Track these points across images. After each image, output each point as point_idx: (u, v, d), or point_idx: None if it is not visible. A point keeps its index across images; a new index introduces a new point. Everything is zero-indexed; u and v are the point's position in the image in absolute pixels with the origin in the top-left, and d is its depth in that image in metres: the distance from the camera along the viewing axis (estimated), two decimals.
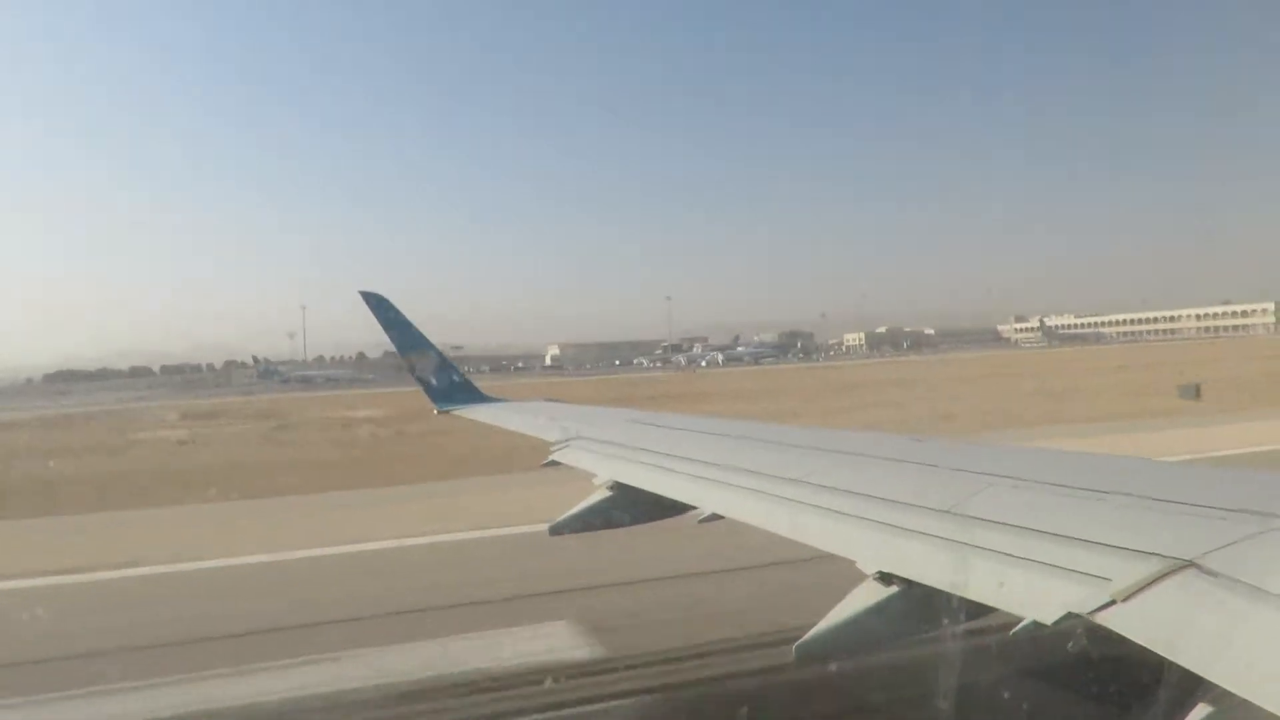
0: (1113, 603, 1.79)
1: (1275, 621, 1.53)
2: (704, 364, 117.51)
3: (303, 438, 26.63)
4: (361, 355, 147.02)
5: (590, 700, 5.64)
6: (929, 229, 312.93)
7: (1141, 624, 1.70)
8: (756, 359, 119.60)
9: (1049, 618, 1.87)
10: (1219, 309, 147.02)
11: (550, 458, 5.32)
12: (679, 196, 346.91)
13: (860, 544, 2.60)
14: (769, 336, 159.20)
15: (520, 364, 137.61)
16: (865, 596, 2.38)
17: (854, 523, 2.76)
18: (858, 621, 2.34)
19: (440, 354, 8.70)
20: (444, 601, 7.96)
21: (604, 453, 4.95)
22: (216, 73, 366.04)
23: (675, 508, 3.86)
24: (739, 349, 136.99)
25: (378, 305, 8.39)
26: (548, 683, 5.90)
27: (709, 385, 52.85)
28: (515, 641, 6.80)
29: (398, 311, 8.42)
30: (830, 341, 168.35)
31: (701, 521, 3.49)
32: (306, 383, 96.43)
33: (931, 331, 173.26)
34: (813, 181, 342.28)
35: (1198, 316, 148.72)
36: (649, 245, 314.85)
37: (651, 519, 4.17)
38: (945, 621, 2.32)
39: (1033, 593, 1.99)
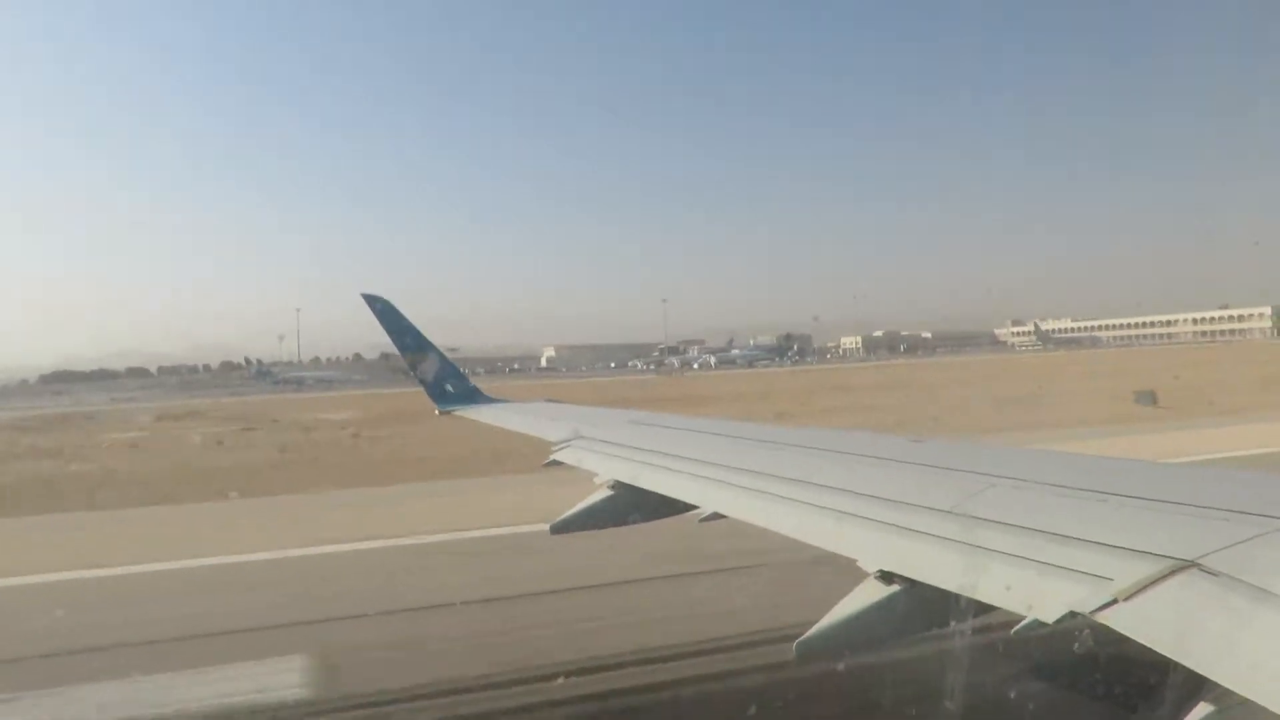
0: (1114, 602, 1.80)
1: (1278, 622, 1.54)
2: (696, 366, 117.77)
3: (257, 440, 26.86)
4: (358, 356, 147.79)
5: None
6: (929, 231, 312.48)
7: (1143, 623, 1.71)
8: (750, 362, 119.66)
9: (1050, 616, 1.88)
10: (1215, 313, 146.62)
11: (551, 457, 5.39)
12: (679, 197, 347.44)
13: (861, 543, 2.61)
14: (767, 339, 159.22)
15: (516, 365, 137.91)
16: (866, 595, 2.39)
17: (855, 522, 2.77)
18: (858, 620, 2.34)
19: (442, 355, 8.79)
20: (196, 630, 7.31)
21: (605, 452, 4.97)
22: (214, 72, 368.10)
23: (676, 507, 3.86)
24: (734, 352, 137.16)
25: (379, 307, 8.50)
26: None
27: (683, 389, 53.06)
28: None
29: (399, 313, 8.53)
30: (829, 344, 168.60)
31: (703, 521, 3.52)
32: (299, 384, 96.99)
33: (928, 335, 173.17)
34: (813, 182, 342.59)
35: (1194, 320, 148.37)
36: (649, 246, 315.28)
37: (652, 518, 4.19)
38: (946, 620, 2.33)
39: (1034, 592, 1.99)
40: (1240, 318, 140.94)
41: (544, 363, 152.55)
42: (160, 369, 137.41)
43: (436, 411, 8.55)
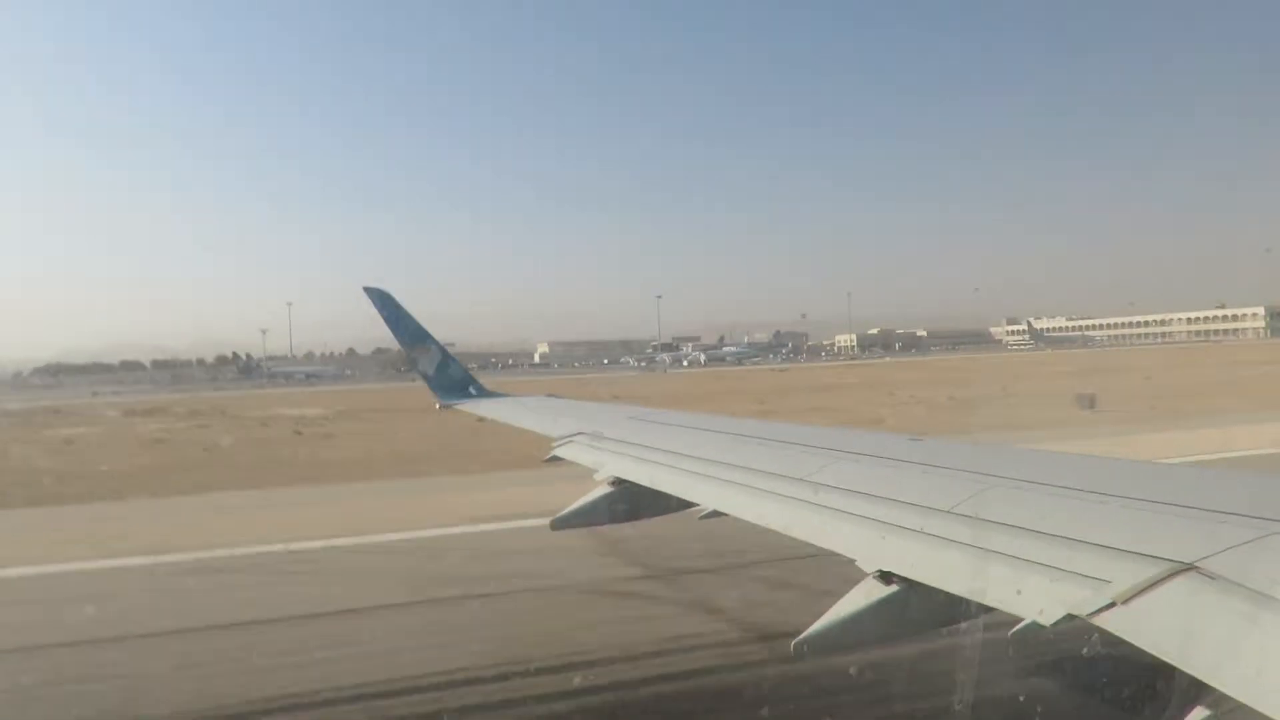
0: (1113, 605, 1.79)
1: (1277, 626, 1.53)
2: (686, 364, 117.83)
3: (194, 437, 27.00)
4: (351, 351, 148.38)
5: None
6: (927, 229, 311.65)
7: (1141, 627, 1.70)
8: (739, 360, 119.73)
9: (1048, 619, 1.87)
10: (1209, 313, 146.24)
11: (552, 453, 5.37)
12: (678, 195, 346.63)
13: (860, 542, 2.60)
14: (762, 336, 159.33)
15: (511, 361, 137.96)
16: (865, 595, 2.38)
17: (853, 521, 2.76)
18: (857, 619, 2.34)
19: (443, 350, 8.74)
20: None
21: (606, 449, 4.95)
22: (215, 70, 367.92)
23: (677, 504, 3.85)
24: (727, 349, 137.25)
25: (382, 301, 8.43)
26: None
27: (654, 387, 53.16)
28: None
29: (401, 307, 8.48)
30: (824, 342, 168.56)
31: (703, 518, 3.52)
32: (287, 379, 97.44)
33: (923, 333, 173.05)
34: (813, 180, 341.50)
35: (1188, 320, 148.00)
36: (648, 243, 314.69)
37: (653, 515, 4.19)
38: (944, 621, 2.33)
39: (1032, 594, 1.98)
40: (1235, 317, 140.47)
41: (537, 359, 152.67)
42: (154, 363, 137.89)
43: (437, 405, 8.49)
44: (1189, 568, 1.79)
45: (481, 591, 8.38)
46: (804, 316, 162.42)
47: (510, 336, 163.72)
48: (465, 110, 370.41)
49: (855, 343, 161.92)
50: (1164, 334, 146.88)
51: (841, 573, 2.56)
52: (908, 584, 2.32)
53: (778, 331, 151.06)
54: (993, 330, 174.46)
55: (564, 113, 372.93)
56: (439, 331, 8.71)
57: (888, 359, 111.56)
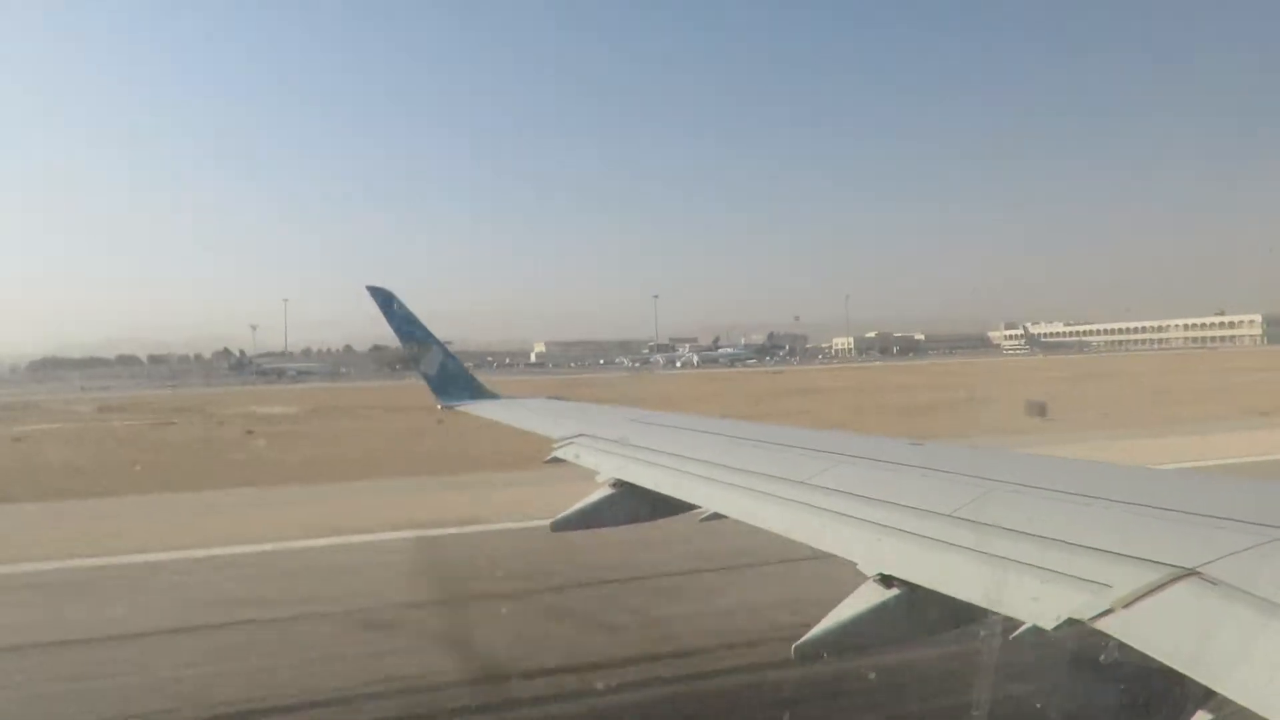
0: (1114, 609, 1.79)
1: (1279, 632, 1.54)
2: (679, 365, 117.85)
3: (151, 436, 27.23)
4: (348, 348, 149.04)
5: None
6: (928, 232, 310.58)
7: (1142, 631, 1.71)
8: (731, 361, 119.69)
9: (1049, 623, 1.87)
10: (1206, 319, 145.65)
11: (553, 454, 5.38)
12: (678, 195, 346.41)
13: (861, 546, 2.60)
14: (760, 338, 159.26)
15: (508, 360, 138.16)
16: (865, 598, 2.39)
17: (855, 524, 2.76)
18: (857, 622, 2.34)
19: (446, 350, 8.72)
20: None
21: (607, 450, 4.96)
22: (215, 67, 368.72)
23: (677, 506, 3.86)
24: (724, 350, 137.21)
25: (384, 301, 8.43)
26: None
27: (637, 389, 53.25)
28: None
29: (404, 307, 8.48)
30: (823, 345, 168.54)
31: (703, 520, 3.52)
32: (279, 375, 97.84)
33: (921, 337, 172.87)
34: (814, 182, 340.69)
35: (1185, 327, 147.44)
36: (647, 242, 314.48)
37: (653, 517, 4.19)
38: (945, 624, 2.33)
39: (1033, 598, 1.98)
40: (1232, 324, 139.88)
41: (533, 358, 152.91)
42: (150, 357, 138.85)
43: (438, 406, 8.46)
44: (1190, 573, 1.79)
45: (202, 622, 7.84)
46: (798, 319, 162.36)
47: (509, 335, 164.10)
48: (468, 111, 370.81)
49: (852, 345, 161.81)
50: (1161, 340, 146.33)
51: (842, 576, 2.56)
52: (908, 587, 2.32)
53: (772, 333, 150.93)
54: (991, 335, 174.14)
55: (564, 112, 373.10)
56: (438, 329, 8.68)
57: (878, 363, 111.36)
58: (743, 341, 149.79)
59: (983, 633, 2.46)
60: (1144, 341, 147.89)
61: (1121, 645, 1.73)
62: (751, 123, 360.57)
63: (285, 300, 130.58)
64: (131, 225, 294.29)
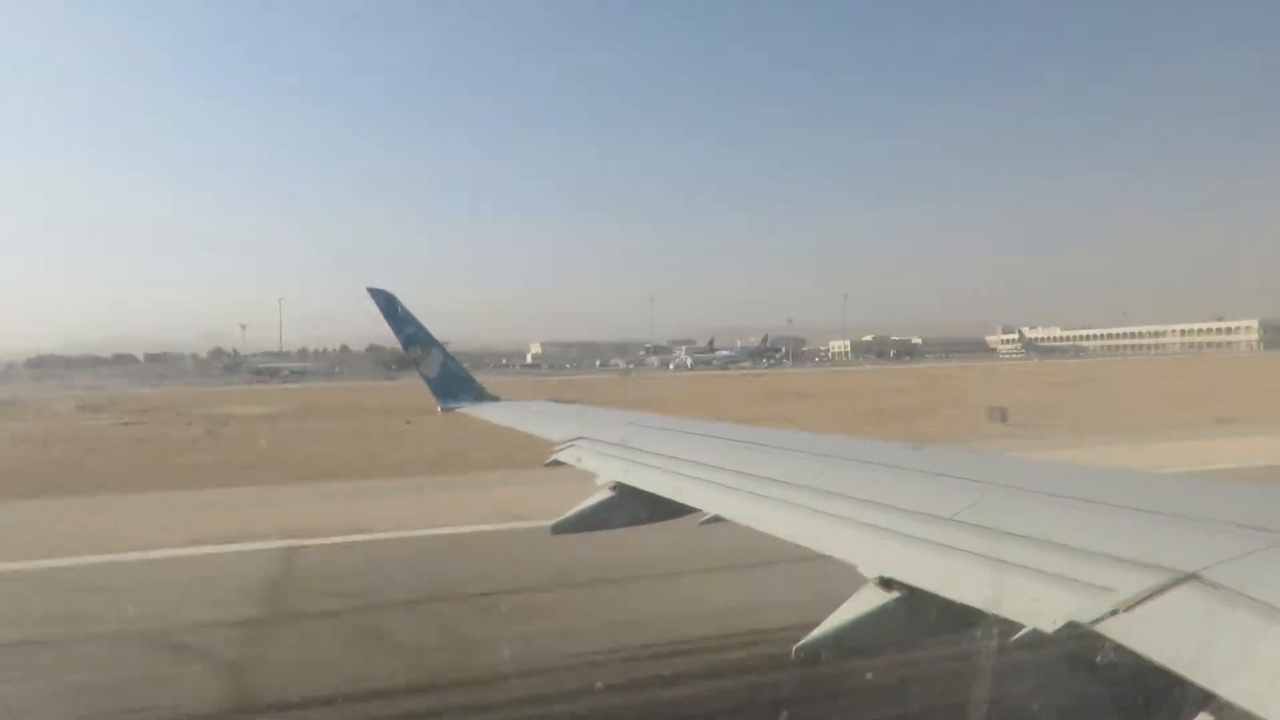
0: (1115, 613, 1.79)
1: (1279, 635, 1.55)
2: (672, 367, 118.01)
3: (114, 436, 27.33)
4: (345, 348, 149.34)
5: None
6: (928, 230, 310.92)
7: (1143, 635, 1.71)
8: (725, 364, 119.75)
9: (1050, 626, 1.87)
10: (1203, 325, 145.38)
11: (553, 457, 5.36)
12: (679, 197, 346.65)
13: (861, 549, 2.60)
14: (755, 341, 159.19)
15: (505, 361, 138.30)
16: (866, 601, 2.39)
17: (855, 527, 2.76)
18: (858, 625, 2.34)
19: (447, 353, 8.68)
20: None
21: (606, 453, 4.96)
22: (219, 67, 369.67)
23: (677, 509, 3.86)
24: (721, 352, 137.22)
25: (385, 303, 8.40)
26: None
27: (619, 392, 53.33)
28: None
29: (405, 310, 8.45)
30: (821, 348, 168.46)
31: (703, 524, 3.51)
32: (273, 375, 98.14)
33: (918, 340, 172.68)
34: (813, 182, 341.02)
35: (1181, 332, 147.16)
36: (648, 244, 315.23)
37: (653, 520, 4.16)
38: (945, 627, 2.32)
39: (1034, 601, 1.98)
40: (1229, 330, 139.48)
41: (529, 359, 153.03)
42: (147, 356, 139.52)
43: (439, 409, 8.39)
44: (1191, 577, 1.80)
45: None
46: (790, 321, 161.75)
47: (507, 336, 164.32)
48: (470, 113, 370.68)
49: (849, 349, 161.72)
50: (1157, 345, 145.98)
51: (842, 578, 2.54)
52: (909, 590, 2.32)
53: (766, 336, 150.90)
54: (989, 339, 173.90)
55: (563, 112, 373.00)
56: (436, 329, 8.64)
57: (868, 366, 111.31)
58: (739, 344, 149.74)
59: (983, 636, 2.44)
60: (1140, 346, 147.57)
61: (1119, 648, 1.74)
62: (751, 123, 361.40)
63: (280, 300, 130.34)
64: (132, 225, 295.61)
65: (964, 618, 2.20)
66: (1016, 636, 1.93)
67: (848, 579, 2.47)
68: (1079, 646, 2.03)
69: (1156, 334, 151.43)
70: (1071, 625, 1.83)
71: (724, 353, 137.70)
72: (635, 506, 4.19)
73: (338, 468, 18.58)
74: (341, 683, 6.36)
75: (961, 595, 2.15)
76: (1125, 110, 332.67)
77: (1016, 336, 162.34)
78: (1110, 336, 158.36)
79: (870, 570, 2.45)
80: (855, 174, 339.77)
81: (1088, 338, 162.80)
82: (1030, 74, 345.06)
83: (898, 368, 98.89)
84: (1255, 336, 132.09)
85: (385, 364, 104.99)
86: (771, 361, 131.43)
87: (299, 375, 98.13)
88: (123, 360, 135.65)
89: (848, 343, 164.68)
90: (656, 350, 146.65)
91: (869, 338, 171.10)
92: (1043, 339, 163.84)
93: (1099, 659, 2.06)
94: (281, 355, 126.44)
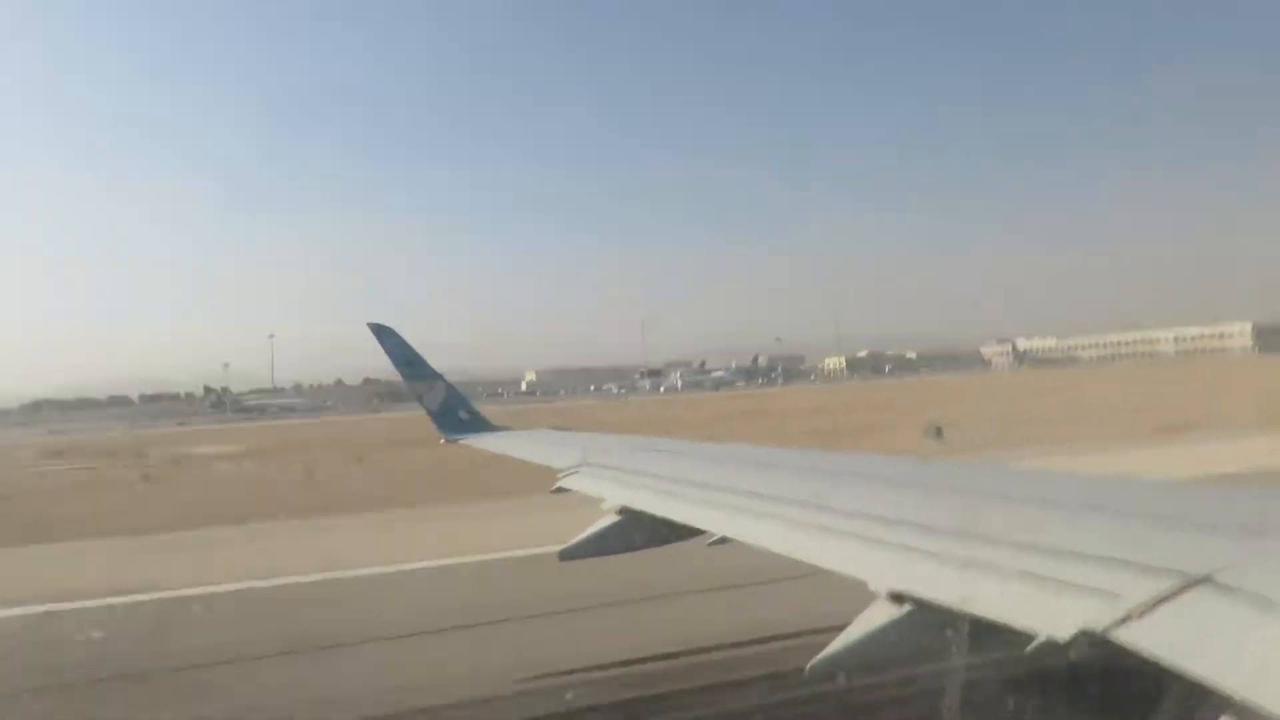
0: (1128, 618, 1.79)
1: None
2: (663, 390, 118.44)
3: (53, 484, 27.28)
4: (339, 382, 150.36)
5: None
6: (923, 243, 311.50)
7: (1157, 639, 1.70)
8: (717, 385, 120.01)
9: (1063, 635, 1.86)
10: (1195, 330, 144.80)
11: (558, 484, 5.36)
12: (672, 219, 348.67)
13: (870, 565, 2.59)
14: (748, 361, 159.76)
15: (499, 390, 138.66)
16: (877, 617, 2.37)
17: (862, 544, 2.76)
18: (870, 641, 2.33)
19: (449, 385, 8.73)
20: None
21: (612, 478, 4.97)
22: (217, 81, 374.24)
23: (684, 532, 3.86)
24: (716, 373, 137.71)
25: (386, 337, 8.55)
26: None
27: (602, 416, 53.50)
28: None
29: (406, 343, 8.59)
30: (817, 365, 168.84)
31: (711, 545, 3.53)
32: (262, 412, 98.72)
33: (913, 355, 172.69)
34: (808, 198, 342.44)
35: (1175, 339, 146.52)
36: (647, 264, 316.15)
37: (661, 543, 4.17)
38: (957, 640, 2.31)
39: (1046, 610, 1.97)
40: (1222, 335, 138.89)
41: (524, 386, 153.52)
42: (142, 397, 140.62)
43: (442, 440, 8.47)
44: (1203, 580, 1.80)
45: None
46: (779, 340, 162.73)
47: (506, 364, 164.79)
48: (458, 133, 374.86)
49: (844, 365, 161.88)
50: (1152, 352, 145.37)
51: (852, 596, 2.52)
52: (920, 604, 2.31)
53: (756, 356, 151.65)
54: (984, 350, 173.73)
55: (553, 131, 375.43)
56: (435, 361, 8.71)
57: (855, 381, 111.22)
58: (734, 365, 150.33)
59: (996, 647, 2.37)
60: (1134, 354, 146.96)
61: (1133, 654, 1.73)
62: (746, 141, 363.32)
63: (271, 336, 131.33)
64: (127, 268, 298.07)
65: (976, 630, 2.20)
66: (1030, 647, 1.92)
67: (857, 595, 2.46)
68: (1093, 655, 1.91)
69: (1150, 340, 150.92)
70: (1085, 633, 1.83)
71: (717, 374, 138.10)
72: (641, 530, 4.23)
73: (247, 511, 18.63)
74: None
75: (972, 607, 2.15)
76: (1125, 110, 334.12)
77: (1009, 348, 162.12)
78: (1105, 345, 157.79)
79: (880, 585, 2.43)
80: (851, 186, 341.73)
81: (1082, 346, 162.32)
82: (1030, 74, 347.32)
83: (886, 383, 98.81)
84: (1248, 341, 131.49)
85: (380, 396, 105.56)
86: (765, 381, 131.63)
87: (288, 411, 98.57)
88: (118, 402, 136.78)
89: (843, 359, 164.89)
90: (651, 373, 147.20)
91: (864, 353, 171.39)
92: (1037, 349, 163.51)
93: (1101, 666, 2.05)
94: (274, 391, 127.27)
